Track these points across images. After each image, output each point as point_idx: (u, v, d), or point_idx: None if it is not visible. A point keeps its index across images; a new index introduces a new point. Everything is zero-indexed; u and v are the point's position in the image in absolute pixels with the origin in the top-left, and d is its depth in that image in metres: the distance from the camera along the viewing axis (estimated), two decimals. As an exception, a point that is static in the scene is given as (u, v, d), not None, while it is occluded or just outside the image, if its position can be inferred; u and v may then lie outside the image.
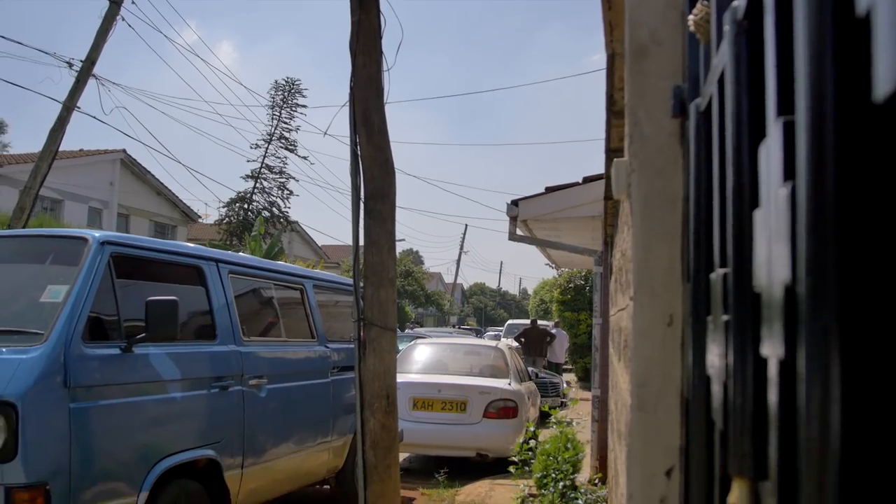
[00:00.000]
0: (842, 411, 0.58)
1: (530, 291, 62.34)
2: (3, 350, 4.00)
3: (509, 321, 34.02)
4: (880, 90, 0.49)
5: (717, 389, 1.18)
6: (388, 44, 5.05)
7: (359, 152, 5.01)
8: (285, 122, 39.30)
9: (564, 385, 16.37)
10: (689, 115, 1.48)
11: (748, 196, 0.92)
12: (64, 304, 4.20)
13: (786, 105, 0.74)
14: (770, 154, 0.77)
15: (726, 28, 1.03)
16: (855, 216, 0.55)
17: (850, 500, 0.59)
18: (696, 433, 1.39)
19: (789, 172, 0.70)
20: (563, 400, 14.59)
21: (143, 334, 4.46)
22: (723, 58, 1.09)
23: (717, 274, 1.16)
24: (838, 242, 0.57)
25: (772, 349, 0.78)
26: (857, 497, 0.59)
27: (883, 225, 0.51)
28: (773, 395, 0.78)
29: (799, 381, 0.65)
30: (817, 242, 0.59)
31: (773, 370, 0.78)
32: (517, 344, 17.09)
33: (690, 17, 1.42)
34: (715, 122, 1.20)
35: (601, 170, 5.36)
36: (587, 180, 7.55)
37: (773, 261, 0.76)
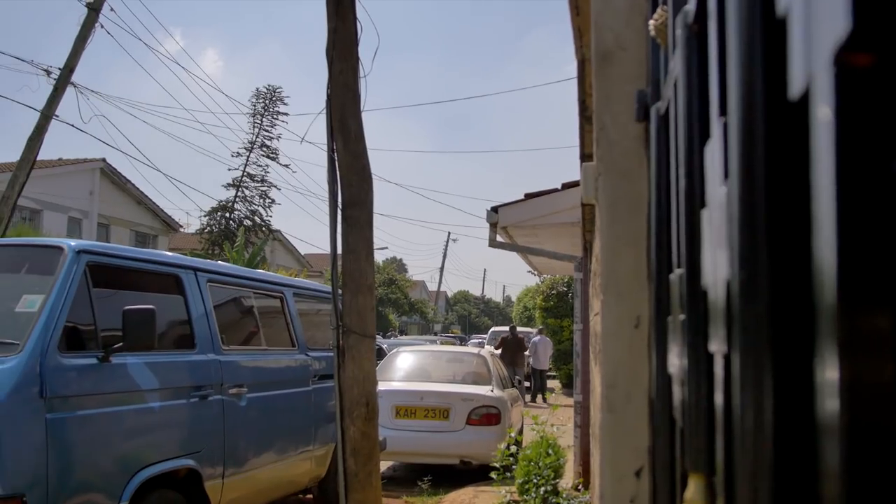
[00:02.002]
0: (774, 402, 0.59)
1: (514, 299, 62.46)
2: (-22, 360, 3.96)
3: (493, 328, 34.04)
4: (795, 88, 0.51)
5: (677, 388, 1.20)
6: (366, 51, 5.08)
7: (336, 159, 5.02)
8: (266, 130, 39.15)
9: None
10: (651, 120, 1.50)
11: (698, 196, 0.94)
12: (39, 313, 4.17)
13: (727, 106, 0.76)
14: (713, 154, 0.79)
15: (678, 32, 1.05)
16: (783, 209, 0.57)
17: (783, 494, 0.61)
18: (661, 433, 1.41)
19: (728, 171, 0.71)
20: None
21: (121, 344, 4.43)
22: (677, 62, 1.11)
23: (676, 274, 1.18)
24: (769, 235, 0.58)
25: (717, 345, 0.80)
26: (790, 490, 0.61)
27: (807, 216, 0.53)
28: (718, 391, 0.80)
29: (734, 373, 0.67)
30: (749, 236, 0.61)
31: (718, 366, 0.80)
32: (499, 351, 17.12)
33: (651, 21, 1.45)
34: (672, 126, 1.23)
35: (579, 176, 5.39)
36: (566, 186, 7.59)
37: (717, 259, 0.78)
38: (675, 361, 1.20)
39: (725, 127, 0.73)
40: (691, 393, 0.99)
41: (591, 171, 1.84)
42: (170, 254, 5.98)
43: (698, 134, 0.94)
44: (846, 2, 0.40)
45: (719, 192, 0.75)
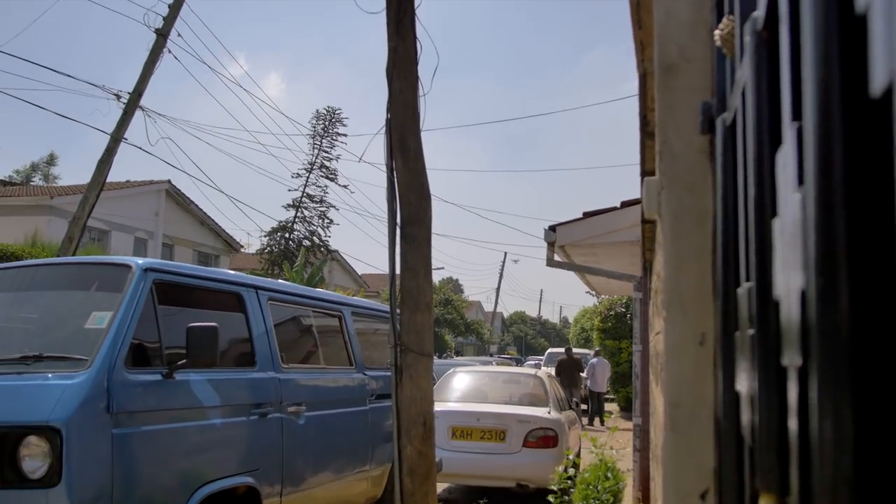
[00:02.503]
0: (854, 416, 0.57)
1: (571, 320, 61.92)
2: (49, 375, 4.08)
3: (549, 350, 33.76)
4: (876, 85, 0.49)
5: (745, 406, 1.16)
6: (425, 70, 5.12)
7: (395, 177, 5.06)
8: (326, 151, 39.78)
9: None
10: (717, 131, 1.47)
11: (769, 205, 0.92)
12: (108, 330, 4.28)
13: (800, 111, 0.74)
14: (785, 161, 0.77)
15: (747, 39, 1.03)
16: (863, 211, 0.55)
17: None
18: (728, 452, 1.36)
19: (802, 177, 0.69)
20: None
21: (184, 360, 4.52)
22: (745, 70, 1.09)
23: (744, 288, 1.15)
24: (848, 238, 0.56)
25: (790, 358, 0.77)
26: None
27: (889, 217, 0.51)
28: (792, 405, 0.77)
29: (811, 384, 0.64)
30: (826, 242, 0.59)
31: (792, 379, 0.77)
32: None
33: (716, 31, 1.43)
34: (739, 135, 1.20)
35: (639, 194, 5.32)
36: (625, 205, 7.51)
37: (790, 267, 0.75)
38: (744, 378, 1.16)
39: (799, 131, 0.71)
40: (763, 408, 0.95)
41: (653, 186, 1.81)
42: (232, 272, 6.09)
43: (769, 141, 0.92)
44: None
45: (793, 199, 0.72)
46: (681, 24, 1.75)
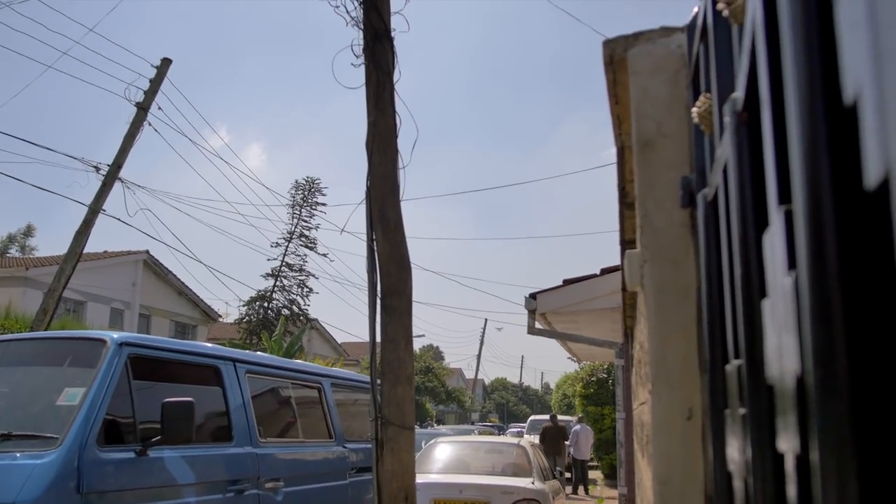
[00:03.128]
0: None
1: (552, 386, 61.60)
2: (18, 455, 3.96)
3: (532, 417, 33.37)
4: (871, 177, 0.48)
5: (738, 486, 1.14)
6: (404, 142, 5.17)
7: (375, 249, 5.06)
8: (305, 221, 39.78)
9: None
10: (698, 206, 1.48)
11: (757, 285, 0.91)
12: (80, 407, 4.18)
13: (786, 194, 0.73)
14: (773, 243, 0.77)
15: (727, 119, 1.04)
16: (861, 301, 0.54)
17: None
18: (721, 534, 1.33)
19: (793, 261, 0.68)
20: None
21: (159, 437, 4.41)
22: (726, 149, 1.10)
23: (732, 365, 1.13)
24: (847, 330, 0.55)
25: (787, 444, 0.75)
26: None
27: (890, 307, 0.50)
28: (791, 493, 0.74)
29: (814, 477, 0.62)
30: (823, 332, 0.57)
31: (790, 466, 0.75)
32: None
33: (694, 109, 1.44)
34: (722, 212, 1.20)
35: (619, 261, 5.34)
36: (604, 272, 7.54)
37: (784, 352, 0.74)
38: (736, 457, 1.14)
39: (787, 216, 0.70)
40: (757, 493, 0.93)
41: (636, 259, 1.81)
42: (209, 345, 6.00)
43: (753, 222, 0.92)
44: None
45: (784, 282, 0.72)
46: (657, 100, 1.78)
